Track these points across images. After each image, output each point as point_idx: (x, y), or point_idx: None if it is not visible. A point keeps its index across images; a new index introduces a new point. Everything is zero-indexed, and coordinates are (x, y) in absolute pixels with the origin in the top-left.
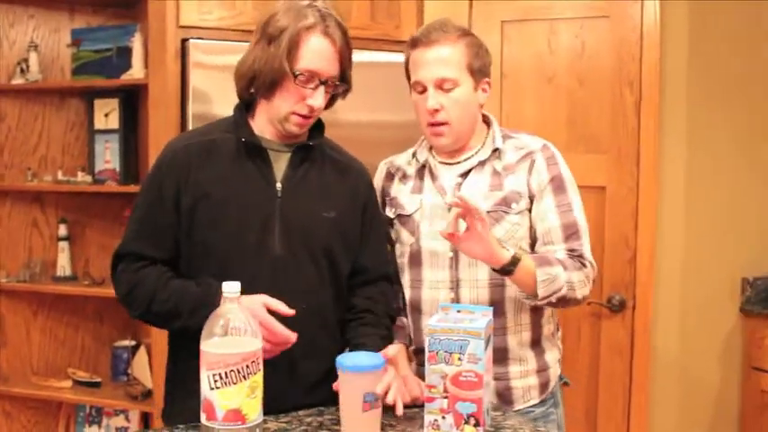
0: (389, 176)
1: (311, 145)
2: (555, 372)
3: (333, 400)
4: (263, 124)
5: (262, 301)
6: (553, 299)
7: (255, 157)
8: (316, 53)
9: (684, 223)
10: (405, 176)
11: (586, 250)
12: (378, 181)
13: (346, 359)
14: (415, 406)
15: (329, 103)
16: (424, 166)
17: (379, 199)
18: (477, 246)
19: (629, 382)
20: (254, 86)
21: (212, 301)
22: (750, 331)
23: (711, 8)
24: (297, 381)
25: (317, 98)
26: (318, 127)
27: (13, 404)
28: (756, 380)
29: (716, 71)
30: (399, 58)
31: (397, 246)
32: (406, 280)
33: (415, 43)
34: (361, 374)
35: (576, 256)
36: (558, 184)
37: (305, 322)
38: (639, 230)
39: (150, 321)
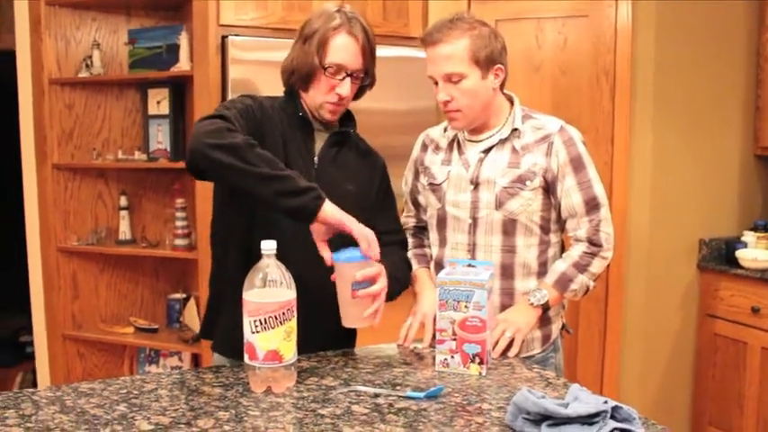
0: (424, 147)
1: (344, 132)
2: (557, 325)
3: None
4: (306, 109)
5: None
6: (587, 293)
7: (304, 130)
8: (341, 49)
9: (651, 193)
10: (437, 148)
11: (604, 218)
12: (415, 151)
13: (339, 253)
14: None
15: (357, 95)
16: (454, 140)
17: (414, 167)
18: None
19: (604, 328)
20: (293, 79)
21: (307, 184)
22: (705, 284)
23: (676, 8)
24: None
25: (344, 88)
26: (350, 117)
27: (85, 347)
28: (710, 325)
29: (679, 62)
30: (407, 52)
31: (428, 209)
32: (434, 238)
33: (423, 42)
34: (350, 264)
35: (593, 226)
36: (577, 164)
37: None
38: (613, 199)
39: (224, 161)
